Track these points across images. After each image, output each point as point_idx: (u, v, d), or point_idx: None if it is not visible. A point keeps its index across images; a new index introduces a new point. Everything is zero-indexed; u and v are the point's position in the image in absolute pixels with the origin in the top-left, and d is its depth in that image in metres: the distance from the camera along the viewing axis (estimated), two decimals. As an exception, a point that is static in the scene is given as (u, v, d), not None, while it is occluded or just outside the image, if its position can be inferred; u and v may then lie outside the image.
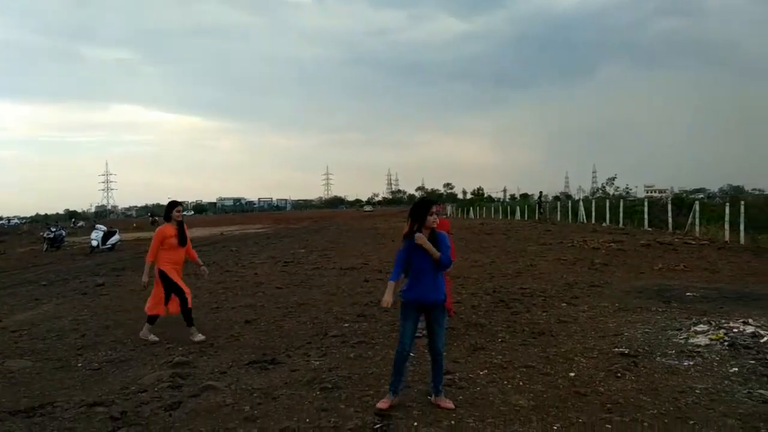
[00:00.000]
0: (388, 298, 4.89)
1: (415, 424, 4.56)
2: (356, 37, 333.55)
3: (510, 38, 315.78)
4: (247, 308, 9.75)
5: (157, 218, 68.04)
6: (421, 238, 4.82)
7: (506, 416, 4.65)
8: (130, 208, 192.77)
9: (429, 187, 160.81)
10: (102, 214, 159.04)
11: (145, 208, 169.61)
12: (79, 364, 6.68)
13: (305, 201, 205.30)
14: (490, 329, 7.61)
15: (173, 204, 7.72)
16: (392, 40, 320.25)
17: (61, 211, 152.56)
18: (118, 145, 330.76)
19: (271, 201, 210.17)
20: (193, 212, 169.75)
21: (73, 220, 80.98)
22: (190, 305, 7.61)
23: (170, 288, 7.57)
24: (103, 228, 26.83)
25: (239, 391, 5.47)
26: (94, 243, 25.08)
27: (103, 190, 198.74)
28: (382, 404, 4.82)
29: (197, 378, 5.94)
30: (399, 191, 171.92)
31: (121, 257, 21.77)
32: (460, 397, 5.07)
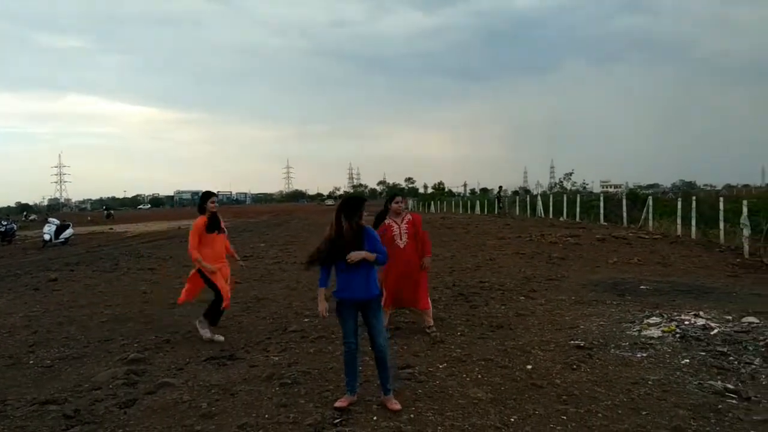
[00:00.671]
0: (322, 307, 4.90)
1: (375, 418, 4.56)
2: (319, 28, 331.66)
3: (472, 33, 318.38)
4: (205, 303, 9.55)
5: (112, 212, 66.67)
6: (356, 256, 4.71)
7: (465, 409, 4.70)
8: (84, 202, 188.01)
9: (390, 181, 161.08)
10: (55, 208, 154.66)
11: (100, 201, 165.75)
12: (31, 362, 6.49)
13: (265, 194, 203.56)
14: (449, 323, 7.67)
15: (208, 194, 7.33)
16: (355, 31, 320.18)
17: (12, 204, 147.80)
18: (73, 137, 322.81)
19: (231, 194, 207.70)
20: (149, 206, 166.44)
21: (24, 213, 78.68)
22: (225, 306, 7.31)
23: (210, 286, 7.29)
24: (56, 222, 26.12)
25: (196, 387, 5.39)
26: (47, 237, 24.39)
27: (56, 182, 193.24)
28: (340, 403, 4.79)
29: (153, 375, 5.83)
30: (361, 185, 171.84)
31: (74, 251, 21.22)
32: (420, 391, 5.10)
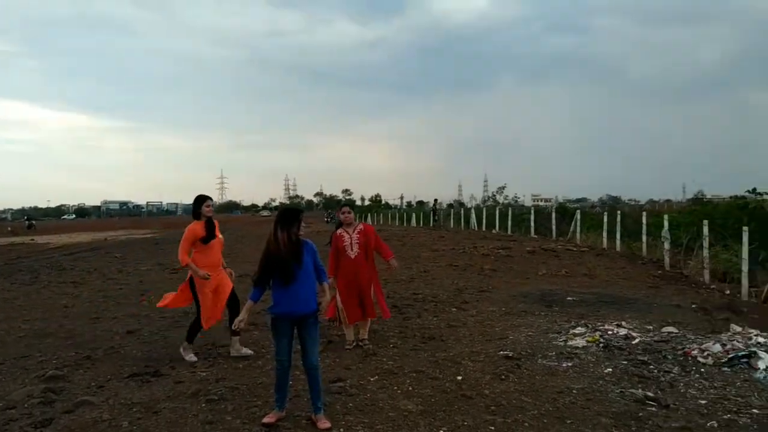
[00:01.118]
0: (244, 317, 4.79)
1: (304, 433, 4.49)
2: (255, 38, 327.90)
3: (407, 47, 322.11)
4: (130, 318, 9.28)
5: (34, 222, 63.59)
6: (324, 303, 4.87)
7: (395, 422, 4.68)
8: (4, 212, 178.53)
9: (328, 192, 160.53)
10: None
11: (22, 211, 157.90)
12: (-64, 382, 6.08)
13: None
14: (382, 335, 7.66)
15: (202, 198, 6.79)
16: (292, 42, 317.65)
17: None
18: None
19: (161, 205, 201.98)
20: (74, 216, 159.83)
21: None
22: (204, 327, 6.75)
23: (195, 301, 6.74)
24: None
25: (117, 405, 5.17)
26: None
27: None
28: (268, 419, 4.68)
29: (72, 393, 5.56)
30: (297, 196, 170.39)
31: (-10, 264, 20.10)
32: (350, 404, 5.06)
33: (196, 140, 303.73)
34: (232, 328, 5.90)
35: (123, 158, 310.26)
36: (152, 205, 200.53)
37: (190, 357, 6.65)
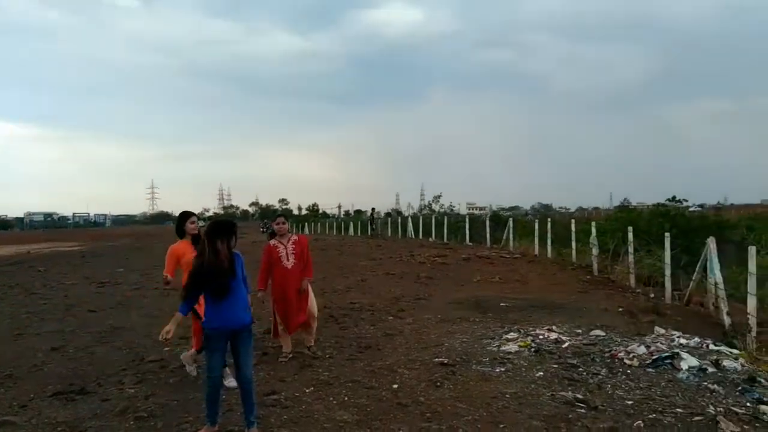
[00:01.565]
0: (170, 328, 4.61)
1: (237, 448, 4.40)
2: (189, 46, 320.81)
3: (344, 58, 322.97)
4: (55, 334, 8.88)
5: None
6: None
7: (330, 433, 4.65)
8: None
9: (263, 202, 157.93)
10: None
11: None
12: None
13: (127, 216, 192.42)
14: (319, 345, 7.59)
15: (186, 215, 6.33)
16: (228, 51, 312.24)
17: None
18: None
19: (89, 216, 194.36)
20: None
21: None
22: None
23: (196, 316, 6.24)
24: None
25: (41, 425, 4.96)
26: None
27: None
28: None
29: (-10, 414, 5.27)
30: (232, 206, 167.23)
31: None
32: (285, 417, 4.99)
33: (125, 150, 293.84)
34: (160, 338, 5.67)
35: (48, 168, 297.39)
36: (79, 216, 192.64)
37: (192, 371, 6.34)
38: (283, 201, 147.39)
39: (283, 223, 7.06)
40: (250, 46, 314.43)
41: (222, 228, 4.65)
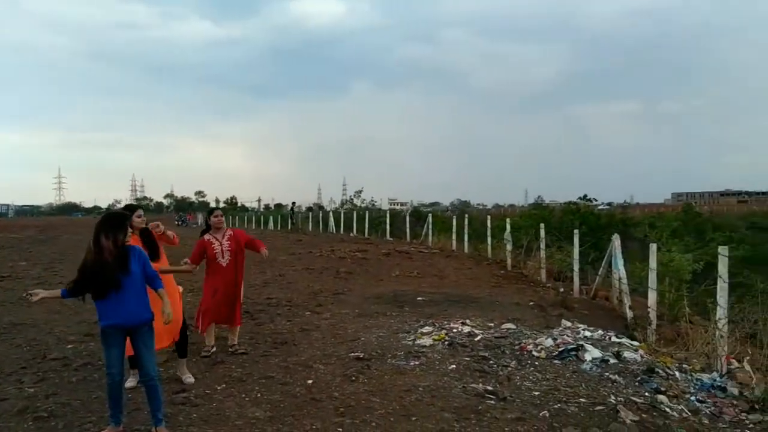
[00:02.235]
0: (43, 294, 4.45)
1: (142, 448, 4.25)
2: (102, 29, 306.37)
3: (265, 47, 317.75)
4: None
5: None
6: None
7: (241, 430, 4.58)
8: None
9: (179, 194, 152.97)
10: None
11: None
12: None
13: (32, 207, 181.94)
14: (219, 342, 7.43)
15: (132, 208, 5.70)
16: (142, 36, 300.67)
17: None
18: None
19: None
20: None
21: None
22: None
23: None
24: None
25: (-74, 430, 4.60)
26: None
27: None
28: None
29: None
30: (145, 198, 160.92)
31: None
32: (194, 415, 4.86)
33: (31, 136, 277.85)
34: None
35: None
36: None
37: (188, 378, 5.86)
38: (199, 193, 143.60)
39: (221, 216, 6.89)
40: (166, 31, 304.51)
41: (108, 222, 4.45)
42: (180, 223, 54.29)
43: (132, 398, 5.20)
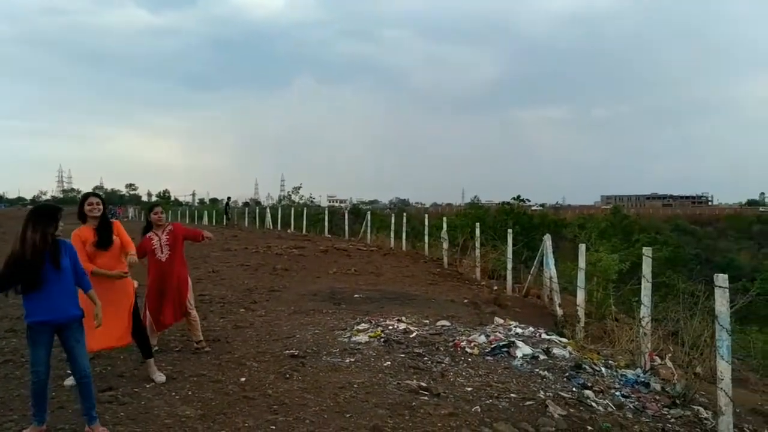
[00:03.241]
0: None
1: (66, 449, 4.09)
2: (27, 13, 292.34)
3: (202, 39, 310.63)
4: None
5: None
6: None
7: (170, 428, 4.47)
8: None
9: (108, 186, 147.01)
10: None
11: None
12: None
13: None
14: (161, 339, 7.23)
15: (86, 197, 5.51)
16: (73, 21, 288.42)
17: None
18: None
19: None
20: None
21: None
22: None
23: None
24: None
25: None
26: None
27: None
28: None
29: None
30: (72, 189, 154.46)
31: None
32: (122, 414, 4.71)
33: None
34: None
35: None
36: None
37: (160, 377, 5.61)
38: (130, 186, 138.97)
39: (161, 213, 6.69)
40: (100, 18, 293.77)
41: (38, 215, 4.28)
42: (110, 216, 52.43)
43: (54, 396, 4.99)
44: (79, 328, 4.37)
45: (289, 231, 31.02)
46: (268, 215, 36.93)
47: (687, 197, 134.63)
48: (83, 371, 4.32)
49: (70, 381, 5.35)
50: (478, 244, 14.93)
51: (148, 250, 6.48)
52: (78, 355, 4.33)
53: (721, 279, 5.19)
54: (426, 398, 5.30)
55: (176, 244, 6.63)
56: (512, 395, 5.51)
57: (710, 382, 6.27)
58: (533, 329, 7.91)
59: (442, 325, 8.03)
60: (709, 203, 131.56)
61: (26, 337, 4.30)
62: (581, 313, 9.25)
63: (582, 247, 9.75)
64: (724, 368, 5.08)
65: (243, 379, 5.68)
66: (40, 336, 4.22)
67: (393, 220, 22.05)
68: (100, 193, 5.83)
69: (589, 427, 4.99)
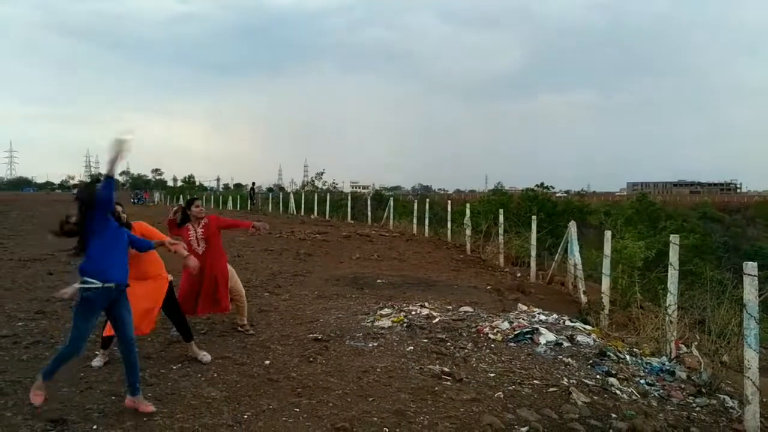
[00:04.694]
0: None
1: (95, 427, 4.19)
2: (58, 1, 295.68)
3: (228, 25, 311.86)
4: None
5: None
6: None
7: (197, 409, 4.54)
8: None
9: (135, 172, 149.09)
10: None
11: None
12: None
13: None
14: (189, 322, 7.34)
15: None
16: (102, 9, 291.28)
17: None
18: None
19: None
20: None
21: None
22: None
23: None
24: None
25: None
26: None
27: None
28: (36, 398, 4.32)
29: None
30: (99, 174, 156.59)
31: None
32: (149, 394, 4.79)
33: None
34: None
35: None
36: None
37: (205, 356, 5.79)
38: (156, 171, 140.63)
39: (201, 207, 6.78)
40: (127, 6, 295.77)
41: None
42: (136, 201, 53.10)
43: (84, 377, 5.12)
44: (125, 296, 4.49)
45: (312, 216, 31.16)
46: (292, 201, 37.13)
47: (715, 184, 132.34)
48: (132, 340, 4.49)
49: (97, 362, 5.48)
50: (501, 231, 14.85)
51: (185, 241, 6.55)
52: (127, 323, 4.47)
53: (750, 267, 5.10)
54: (448, 383, 5.31)
55: (211, 237, 6.69)
56: (535, 382, 5.50)
57: (737, 371, 6.20)
58: (557, 316, 7.87)
59: (465, 311, 8.02)
60: (738, 190, 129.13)
61: (80, 309, 4.31)
62: (606, 300, 9.17)
63: (607, 234, 9.64)
64: (751, 357, 5.01)
65: (267, 362, 5.75)
66: (100, 302, 4.30)
67: (416, 206, 22.00)
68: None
69: (613, 415, 4.97)
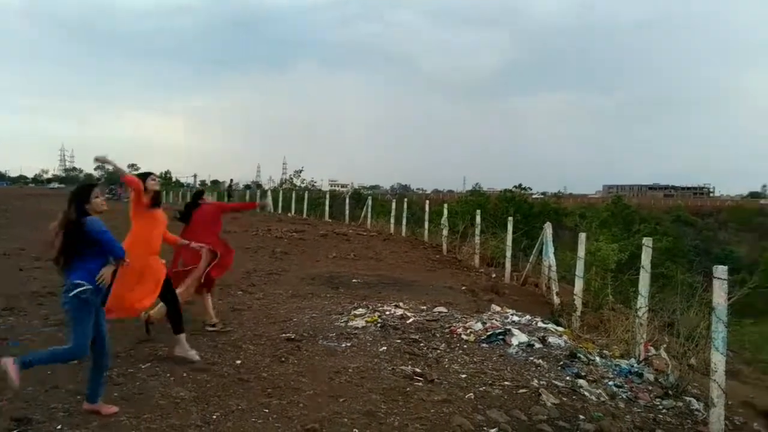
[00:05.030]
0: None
1: (60, 427, 4.12)
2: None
3: (206, 20, 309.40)
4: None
5: None
6: None
7: (164, 410, 4.48)
8: None
9: (111, 166, 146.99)
10: None
11: None
12: None
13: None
14: (158, 322, 7.26)
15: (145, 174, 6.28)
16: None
17: None
18: None
19: None
20: None
21: None
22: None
23: None
24: None
25: None
26: None
27: None
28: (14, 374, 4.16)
29: None
30: (74, 169, 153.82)
31: None
32: (115, 394, 4.72)
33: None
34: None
35: None
36: None
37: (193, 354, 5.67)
38: (132, 166, 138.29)
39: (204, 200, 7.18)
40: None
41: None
42: (111, 196, 52.42)
43: (51, 374, 5.04)
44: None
45: (289, 214, 31.02)
46: (269, 198, 36.93)
47: (689, 188, 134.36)
48: (108, 348, 4.45)
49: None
50: (478, 232, 14.92)
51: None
52: (105, 330, 4.42)
53: (720, 270, 5.18)
54: (420, 384, 5.32)
55: (205, 221, 7.23)
56: (506, 383, 5.53)
57: (704, 373, 6.30)
58: (530, 317, 7.92)
59: (439, 312, 8.05)
60: (711, 195, 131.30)
61: (82, 310, 4.23)
62: (578, 302, 9.26)
63: (582, 236, 9.73)
64: (718, 360, 5.09)
65: (238, 362, 5.70)
66: (92, 309, 4.27)
67: (394, 206, 22.03)
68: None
69: (581, 416, 5.02)
